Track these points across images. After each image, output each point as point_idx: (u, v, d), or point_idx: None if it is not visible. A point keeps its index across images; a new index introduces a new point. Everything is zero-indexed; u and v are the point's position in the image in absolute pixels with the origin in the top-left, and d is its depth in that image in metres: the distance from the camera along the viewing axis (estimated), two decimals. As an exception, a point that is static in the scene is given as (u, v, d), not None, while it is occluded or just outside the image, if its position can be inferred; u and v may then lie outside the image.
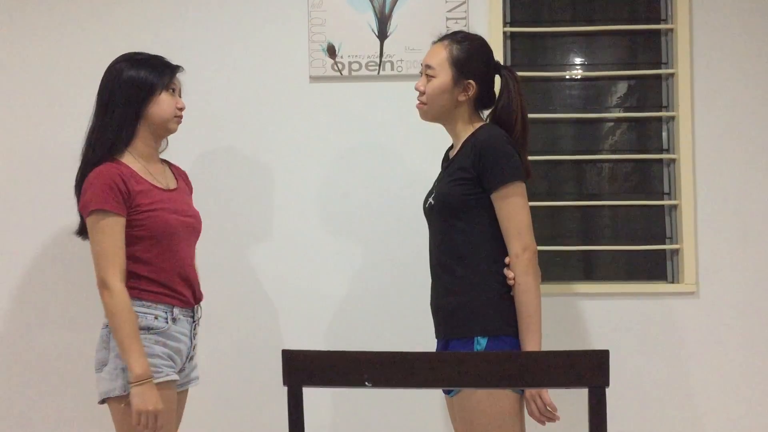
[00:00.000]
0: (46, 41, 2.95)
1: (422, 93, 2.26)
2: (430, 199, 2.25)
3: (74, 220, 2.33)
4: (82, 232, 2.29)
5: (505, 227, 2.12)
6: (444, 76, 2.21)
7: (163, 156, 2.42)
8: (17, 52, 2.95)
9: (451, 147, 2.34)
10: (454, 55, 2.21)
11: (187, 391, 2.36)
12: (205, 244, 2.50)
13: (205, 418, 2.83)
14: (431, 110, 2.25)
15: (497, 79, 2.28)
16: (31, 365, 2.90)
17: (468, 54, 2.21)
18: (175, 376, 2.21)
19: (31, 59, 2.95)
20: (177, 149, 2.56)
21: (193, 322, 2.31)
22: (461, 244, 2.15)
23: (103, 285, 2.14)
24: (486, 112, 2.31)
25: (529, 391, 2.08)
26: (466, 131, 2.23)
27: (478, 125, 2.23)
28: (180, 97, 2.35)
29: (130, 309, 2.13)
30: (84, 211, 2.19)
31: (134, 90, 2.24)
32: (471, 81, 2.20)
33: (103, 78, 2.29)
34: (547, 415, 2.10)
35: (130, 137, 2.25)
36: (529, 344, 2.08)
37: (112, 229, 2.15)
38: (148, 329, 2.17)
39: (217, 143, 2.94)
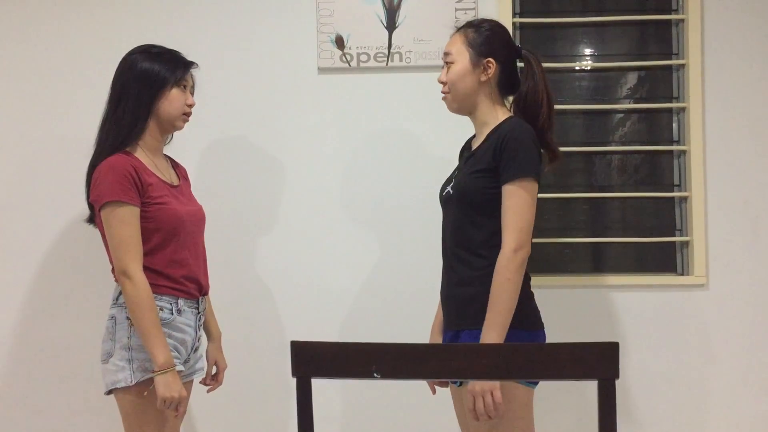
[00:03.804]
0: (54, 36, 2.95)
1: (444, 83, 2.24)
2: (449, 188, 2.23)
3: (82, 212, 2.33)
4: (93, 219, 2.29)
5: (505, 221, 2.08)
6: (462, 59, 2.20)
7: (169, 147, 2.42)
8: (26, 47, 2.95)
9: (473, 137, 2.31)
10: (470, 38, 2.21)
11: (191, 381, 2.37)
12: (212, 236, 2.50)
13: (211, 409, 2.84)
14: (455, 97, 2.22)
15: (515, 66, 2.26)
16: (39, 356, 2.91)
17: (483, 34, 2.20)
18: (181, 367, 2.22)
19: (39, 55, 2.95)
20: (184, 141, 2.56)
21: (198, 313, 2.31)
22: (477, 237, 2.13)
23: (124, 275, 2.14)
24: (510, 99, 2.28)
25: (481, 386, 2.00)
26: (491, 119, 2.20)
27: (502, 112, 2.21)
28: (192, 94, 2.34)
29: (152, 299, 2.14)
30: (98, 202, 2.18)
31: (146, 83, 2.24)
32: (490, 59, 2.19)
33: (117, 68, 2.29)
34: (490, 414, 2.01)
35: (141, 131, 2.25)
36: (490, 339, 2.00)
37: (130, 219, 2.15)
38: None
39: (224, 135, 2.94)
